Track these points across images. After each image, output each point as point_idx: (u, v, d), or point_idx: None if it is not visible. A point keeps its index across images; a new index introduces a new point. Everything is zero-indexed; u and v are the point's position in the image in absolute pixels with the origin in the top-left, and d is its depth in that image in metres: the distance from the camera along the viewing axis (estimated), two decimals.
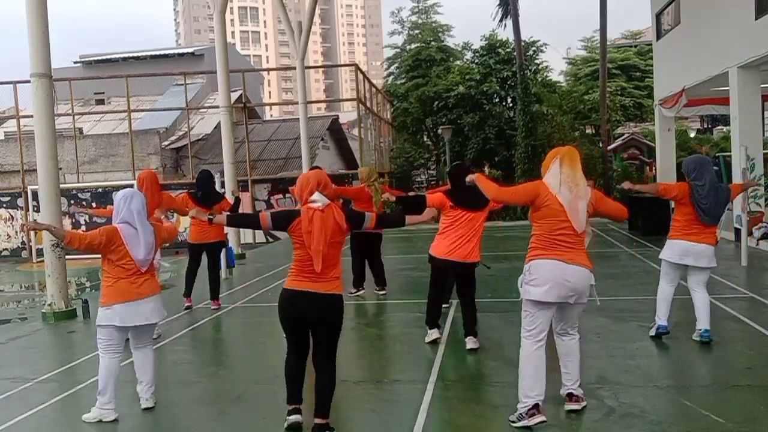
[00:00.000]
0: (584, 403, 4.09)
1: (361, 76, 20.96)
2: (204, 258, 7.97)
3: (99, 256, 4.53)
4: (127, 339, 4.54)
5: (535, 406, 3.86)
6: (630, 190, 5.92)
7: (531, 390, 3.89)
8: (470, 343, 5.54)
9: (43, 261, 8.80)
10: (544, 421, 3.83)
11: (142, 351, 4.56)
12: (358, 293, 8.29)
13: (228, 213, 7.15)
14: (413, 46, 29.75)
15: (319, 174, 3.95)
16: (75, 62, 34.66)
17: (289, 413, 3.93)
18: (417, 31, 30.63)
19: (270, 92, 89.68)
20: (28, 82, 7.97)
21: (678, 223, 5.47)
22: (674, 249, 5.48)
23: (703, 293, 5.45)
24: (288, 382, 3.96)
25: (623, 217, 4.36)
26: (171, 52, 34.41)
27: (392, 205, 6.65)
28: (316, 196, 3.77)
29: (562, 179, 3.93)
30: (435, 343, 5.74)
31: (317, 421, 3.78)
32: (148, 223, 4.44)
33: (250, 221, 4.14)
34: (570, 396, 4.08)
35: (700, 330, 5.40)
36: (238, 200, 8.36)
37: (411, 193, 8.56)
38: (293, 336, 3.91)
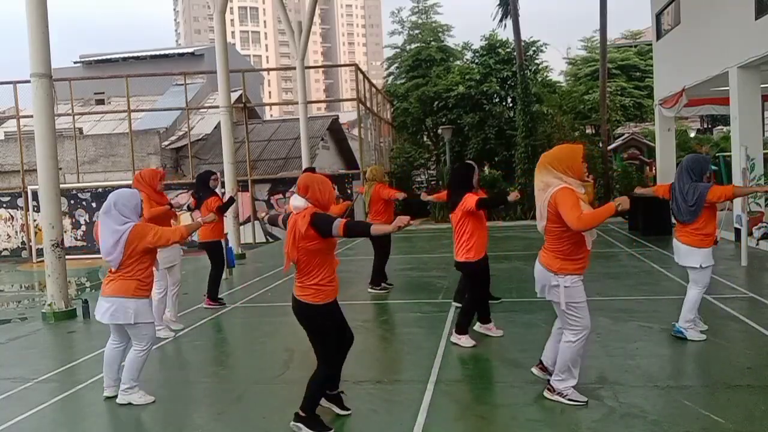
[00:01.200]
0: (557, 398, 4.20)
1: (361, 76, 20.94)
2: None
3: (99, 256, 4.61)
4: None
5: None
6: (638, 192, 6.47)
7: None
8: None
9: (43, 261, 8.80)
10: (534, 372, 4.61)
11: (131, 348, 4.72)
12: (385, 287, 8.65)
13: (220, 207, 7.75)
14: (413, 46, 29.70)
15: (305, 178, 3.89)
16: (75, 62, 34.62)
17: None
18: (417, 31, 30.58)
19: (270, 92, 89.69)
20: (28, 82, 7.98)
21: None
22: None
23: (690, 290, 5.54)
24: None
25: (572, 227, 3.87)
26: (171, 52, 34.34)
27: (398, 203, 6.93)
28: (293, 198, 3.84)
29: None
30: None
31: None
32: (114, 222, 4.49)
33: (278, 221, 4.29)
34: (550, 388, 4.30)
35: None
36: (231, 200, 8.26)
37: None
38: None
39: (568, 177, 4.00)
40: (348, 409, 4.24)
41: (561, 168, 4.01)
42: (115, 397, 4.71)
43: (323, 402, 4.16)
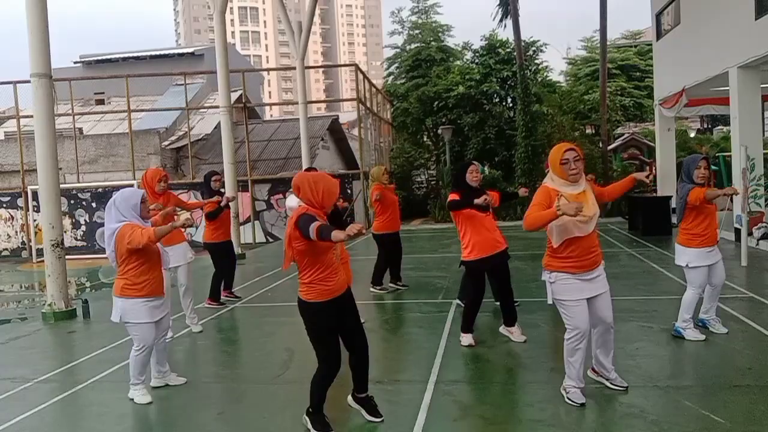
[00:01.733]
0: (561, 391, 4.23)
1: (361, 76, 20.93)
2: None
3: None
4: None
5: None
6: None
7: None
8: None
9: (43, 261, 8.80)
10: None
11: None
12: (397, 288, 8.72)
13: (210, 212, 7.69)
14: (413, 46, 29.65)
15: (297, 177, 3.92)
16: (75, 62, 34.62)
17: None
18: (417, 31, 30.52)
19: (270, 92, 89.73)
20: (28, 82, 7.98)
21: None
22: None
23: (686, 290, 5.61)
24: None
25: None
26: (171, 52, 34.33)
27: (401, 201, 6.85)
28: (289, 198, 3.87)
29: None
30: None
31: None
32: (112, 220, 4.56)
33: None
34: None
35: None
36: (220, 208, 7.86)
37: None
38: None
39: (554, 175, 4.10)
40: (378, 416, 4.08)
41: (549, 166, 4.17)
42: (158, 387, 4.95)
43: (351, 403, 4.16)
